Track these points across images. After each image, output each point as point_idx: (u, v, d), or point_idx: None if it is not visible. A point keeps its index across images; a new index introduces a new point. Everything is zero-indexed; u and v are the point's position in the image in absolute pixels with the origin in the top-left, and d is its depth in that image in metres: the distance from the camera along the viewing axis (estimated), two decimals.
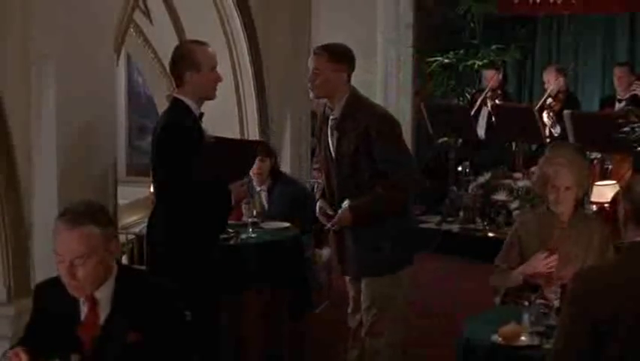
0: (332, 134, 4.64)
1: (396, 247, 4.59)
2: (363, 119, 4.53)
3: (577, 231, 4.06)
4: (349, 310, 4.86)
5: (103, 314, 3.03)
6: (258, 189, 6.07)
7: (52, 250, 2.99)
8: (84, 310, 3.05)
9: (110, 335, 3.01)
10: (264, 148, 6.05)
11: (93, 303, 3.03)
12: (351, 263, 4.67)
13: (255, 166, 5.66)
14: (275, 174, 6.15)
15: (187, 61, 4.46)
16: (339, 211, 4.55)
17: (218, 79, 4.57)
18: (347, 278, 4.85)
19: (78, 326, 3.04)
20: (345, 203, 4.54)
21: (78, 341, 3.02)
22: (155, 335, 2.98)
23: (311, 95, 4.77)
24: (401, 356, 4.73)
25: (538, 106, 8.94)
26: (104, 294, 3.03)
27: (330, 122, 4.65)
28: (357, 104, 4.61)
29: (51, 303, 3.11)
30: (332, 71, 4.55)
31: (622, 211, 3.16)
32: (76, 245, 2.94)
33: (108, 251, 3.01)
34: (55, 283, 3.09)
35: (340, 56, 4.61)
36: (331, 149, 4.66)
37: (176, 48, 4.64)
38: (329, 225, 4.64)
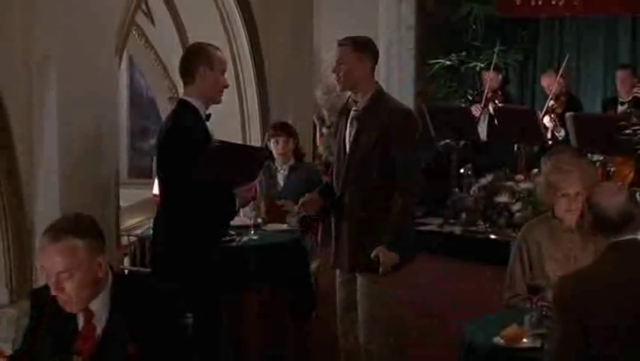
0: (351, 125, 4.67)
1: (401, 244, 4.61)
2: (387, 114, 4.57)
3: (584, 236, 4.01)
4: (339, 312, 4.86)
5: (99, 326, 3.00)
6: (280, 168, 6.22)
7: (45, 271, 2.96)
8: (81, 321, 3.02)
9: (108, 346, 2.98)
10: (287, 128, 6.26)
11: (89, 315, 3.00)
12: (351, 256, 4.67)
13: (279, 146, 6.12)
14: (297, 154, 6.30)
15: (202, 57, 4.51)
16: (380, 257, 4.51)
17: (226, 84, 4.61)
18: (337, 280, 4.85)
19: (76, 338, 3.01)
20: (379, 248, 4.52)
21: (77, 352, 3.00)
22: (154, 344, 2.95)
23: (338, 88, 4.80)
24: (399, 356, 4.73)
25: (543, 112, 8.93)
26: (99, 305, 2.99)
27: (351, 113, 4.68)
28: (383, 99, 4.66)
29: (48, 311, 3.08)
30: (356, 61, 4.60)
31: (589, 223, 3.23)
32: (59, 259, 2.90)
33: (96, 264, 2.96)
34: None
35: (364, 47, 4.66)
36: (346, 140, 4.68)
37: (190, 47, 4.72)
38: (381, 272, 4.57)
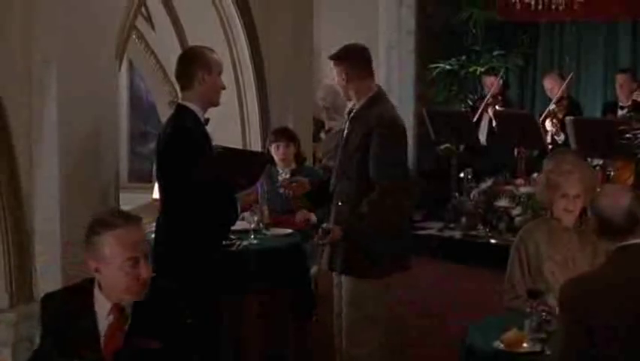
0: (348, 127, 4.79)
1: (387, 251, 4.64)
2: (372, 119, 4.63)
3: (583, 237, 4.03)
4: (335, 313, 4.91)
5: (126, 323, 3.06)
6: (281, 172, 6.21)
7: (124, 259, 3.01)
8: (106, 322, 3.06)
9: (133, 343, 3.03)
10: (287, 133, 6.30)
11: (120, 312, 3.06)
12: (337, 257, 4.71)
13: (280, 151, 6.17)
14: (299, 158, 6.34)
15: (200, 62, 4.52)
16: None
17: (223, 86, 4.63)
18: (334, 280, 4.90)
19: (95, 337, 3.05)
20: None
21: (99, 354, 3.03)
22: (171, 341, 3.03)
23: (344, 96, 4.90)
24: (399, 356, 4.77)
25: (544, 115, 8.93)
26: (129, 302, 3.07)
27: (351, 114, 4.79)
28: (374, 104, 4.71)
29: (61, 313, 3.11)
30: (359, 79, 4.70)
31: (594, 226, 3.21)
32: (144, 238, 3.11)
33: None
34: (63, 297, 3.16)
35: (365, 63, 4.75)
36: (342, 141, 4.81)
37: (187, 51, 4.71)
38: (320, 242, 4.73)
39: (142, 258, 3.02)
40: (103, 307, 3.07)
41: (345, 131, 4.79)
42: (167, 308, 3.10)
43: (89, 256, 3.05)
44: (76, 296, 3.12)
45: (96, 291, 3.09)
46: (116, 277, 3.02)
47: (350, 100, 4.83)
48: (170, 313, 3.09)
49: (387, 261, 4.66)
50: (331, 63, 4.78)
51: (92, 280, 3.15)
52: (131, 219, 3.09)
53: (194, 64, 4.52)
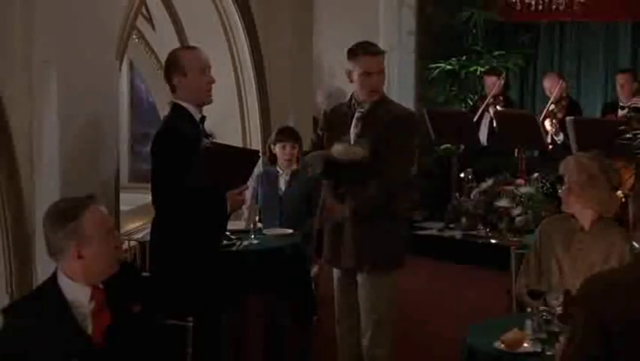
0: (355, 126, 4.73)
1: (401, 244, 4.71)
2: (392, 113, 4.68)
3: (597, 238, 4.03)
4: (337, 317, 4.88)
5: (104, 296, 3.11)
6: (282, 172, 6.19)
7: (107, 230, 3.11)
8: (88, 308, 3.06)
9: (118, 309, 3.09)
10: (294, 134, 6.27)
11: (100, 292, 3.09)
12: (364, 256, 4.69)
13: (286, 151, 6.12)
14: (300, 159, 6.28)
15: (173, 66, 4.50)
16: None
17: (210, 81, 4.55)
18: (335, 283, 4.87)
19: (83, 329, 3.05)
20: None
21: (90, 341, 3.04)
22: (146, 299, 3.19)
23: (371, 97, 4.76)
24: (400, 357, 4.77)
25: (543, 115, 8.93)
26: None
27: (356, 114, 4.73)
28: (388, 100, 4.81)
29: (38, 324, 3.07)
30: (383, 69, 4.74)
31: (631, 215, 3.19)
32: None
33: None
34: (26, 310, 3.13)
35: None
36: (351, 142, 4.72)
37: (168, 55, 4.67)
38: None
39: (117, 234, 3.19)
40: (80, 297, 3.07)
41: (354, 133, 4.72)
42: (129, 272, 3.24)
43: (72, 243, 3.04)
44: (41, 304, 3.09)
45: (68, 284, 3.07)
46: (102, 251, 3.06)
47: (366, 100, 4.73)
48: (134, 276, 3.26)
49: (402, 255, 4.76)
50: (374, 60, 4.66)
51: (47, 284, 3.15)
52: (89, 196, 3.19)
53: (169, 70, 4.52)
